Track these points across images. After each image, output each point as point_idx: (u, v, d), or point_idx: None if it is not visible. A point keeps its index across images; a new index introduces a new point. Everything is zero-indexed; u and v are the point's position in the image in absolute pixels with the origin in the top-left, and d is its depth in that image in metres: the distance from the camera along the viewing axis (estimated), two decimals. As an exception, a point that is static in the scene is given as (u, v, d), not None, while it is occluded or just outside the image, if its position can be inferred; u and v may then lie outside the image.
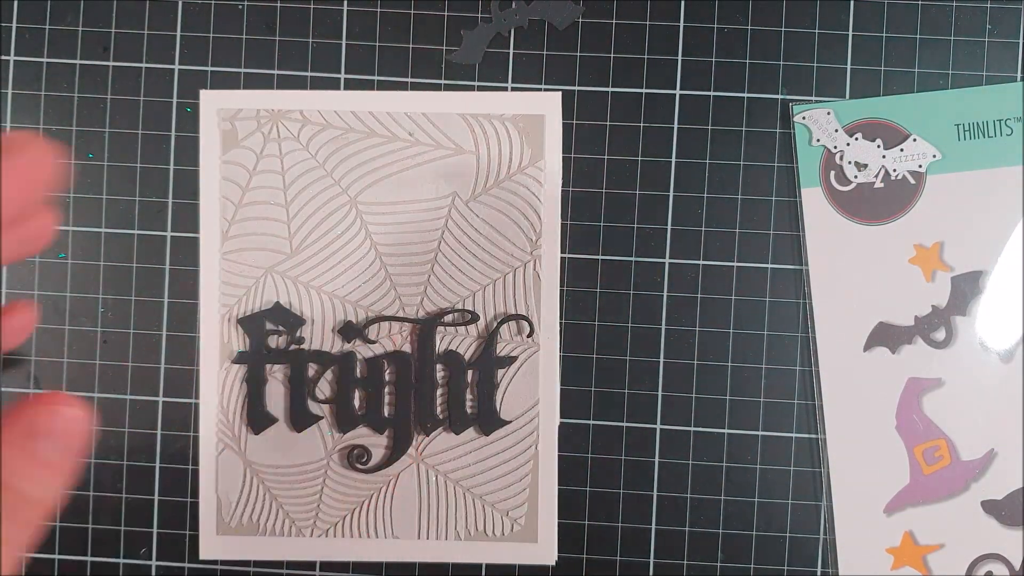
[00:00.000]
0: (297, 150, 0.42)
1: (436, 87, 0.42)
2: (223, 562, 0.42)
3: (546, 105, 0.41)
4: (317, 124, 0.42)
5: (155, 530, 0.42)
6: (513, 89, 0.42)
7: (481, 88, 0.42)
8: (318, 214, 0.42)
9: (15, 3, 0.42)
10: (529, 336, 0.41)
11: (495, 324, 0.41)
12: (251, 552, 0.42)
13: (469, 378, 0.41)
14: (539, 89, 0.42)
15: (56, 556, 0.42)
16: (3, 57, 0.42)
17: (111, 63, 0.42)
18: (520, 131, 0.42)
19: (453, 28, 0.42)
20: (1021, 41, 0.41)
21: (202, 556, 0.42)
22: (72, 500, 0.42)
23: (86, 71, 0.42)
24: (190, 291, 0.42)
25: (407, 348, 0.42)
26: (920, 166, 0.41)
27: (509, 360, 0.41)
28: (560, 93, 0.41)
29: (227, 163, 0.42)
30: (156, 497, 0.42)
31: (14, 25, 0.42)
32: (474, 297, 0.42)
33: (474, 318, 0.41)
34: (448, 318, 0.41)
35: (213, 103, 0.42)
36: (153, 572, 0.42)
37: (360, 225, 0.42)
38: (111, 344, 0.42)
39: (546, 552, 0.42)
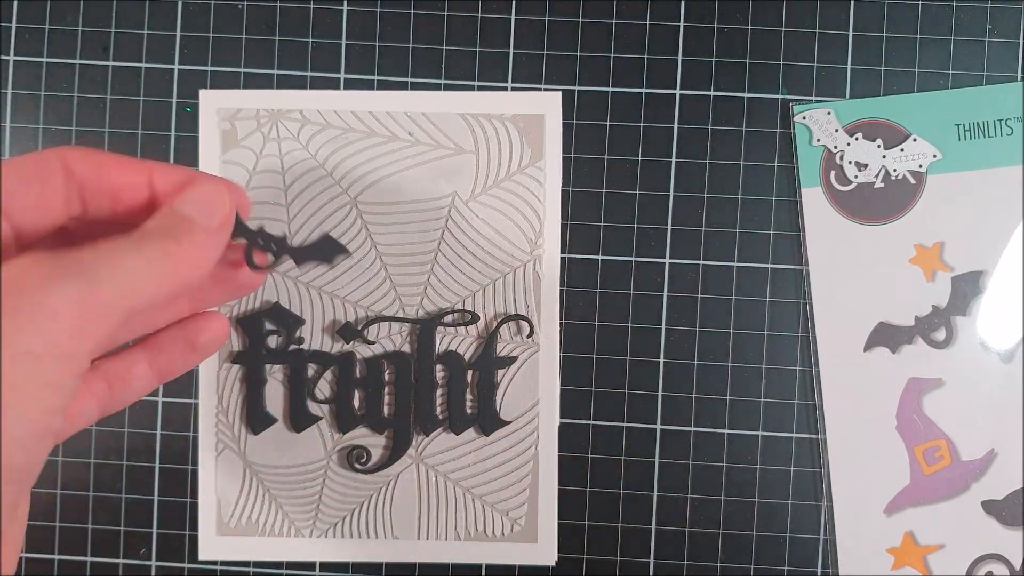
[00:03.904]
0: (297, 150, 0.42)
1: (436, 87, 0.42)
2: (223, 562, 0.42)
3: (546, 105, 0.41)
4: (317, 124, 0.42)
5: (155, 530, 0.42)
6: (513, 89, 0.42)
7: (481, 88, 0.42)
8: (318, 214, 0.42)
9: (15, 3, 0.42)
10: (529, 336, 0.41)
11: (495, 324, 0.41)
12: (251, 552, 0.42)
13: (469, 378, 0.41)
14: (539, 89, 0.42)
15: (56, 556, 0.42)
16: (3, 57, 0.42)
17: (111, 63, 0.42)
18: (520, 131, 0.42)
19: (453, 28, 0.42)
20: (1021, 41, 0.41)
21: (202, 556, 0.42)
22: (72, 500, 0.42)
23: (86, 71, 0.42)
24: (190, 291, 0.42)
25: (407, 348, 0.42)
26: (920, 166, 0.41)
27: (509, 360, 0.41)
28: (560, 93, 0.41)
29: (227, 163, 0.42)
30: (156, 497, 0.42)
31: (14, 25, 0.42)
32: (474, 297, 0.42)
33: (474, 318, 0.41)
34: (448, 318, 0.41)
35: (213, 103, 0.42)
36: (153, 572, 0.42)
37: (360, 225, 0.42)
38: (111, 344, 0.42)
39: (546, 552, 0.42)
